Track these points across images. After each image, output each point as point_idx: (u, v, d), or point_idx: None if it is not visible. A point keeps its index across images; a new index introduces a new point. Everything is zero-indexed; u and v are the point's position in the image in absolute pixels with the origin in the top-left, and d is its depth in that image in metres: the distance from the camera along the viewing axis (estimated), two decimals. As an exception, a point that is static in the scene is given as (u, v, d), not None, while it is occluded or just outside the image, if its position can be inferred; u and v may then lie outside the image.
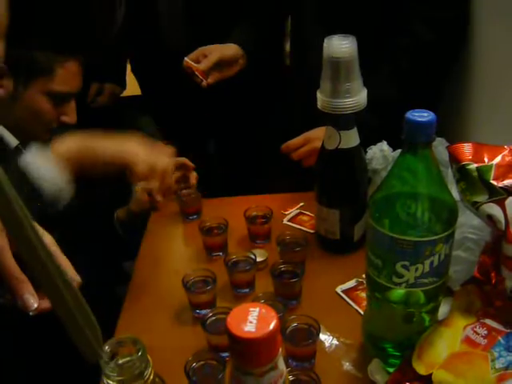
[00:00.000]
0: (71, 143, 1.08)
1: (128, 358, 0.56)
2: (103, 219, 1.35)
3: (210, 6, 1.73)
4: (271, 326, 0.47)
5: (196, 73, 1.44)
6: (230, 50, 1.49)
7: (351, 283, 1.12)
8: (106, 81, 2.12)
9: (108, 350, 0.57)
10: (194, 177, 1.41)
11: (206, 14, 1.76)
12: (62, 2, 1.10)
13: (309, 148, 1.30)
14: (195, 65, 1.44)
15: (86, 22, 1.13)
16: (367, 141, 1.15)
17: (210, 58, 1.44)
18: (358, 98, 1.06)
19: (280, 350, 0.49)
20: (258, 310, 0.48)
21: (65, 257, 0.79)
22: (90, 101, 2.08)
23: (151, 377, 0.57)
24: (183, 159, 1.38)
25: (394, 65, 1.32)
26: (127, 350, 0.58)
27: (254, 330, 0.46)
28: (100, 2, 1.13)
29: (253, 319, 0.47)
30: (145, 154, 1.11)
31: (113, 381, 0.55)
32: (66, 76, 1.21)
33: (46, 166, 1.01)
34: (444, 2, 1.29)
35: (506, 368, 0.74)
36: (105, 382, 0.56)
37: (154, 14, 1.84)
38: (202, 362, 0.90)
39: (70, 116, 1.26)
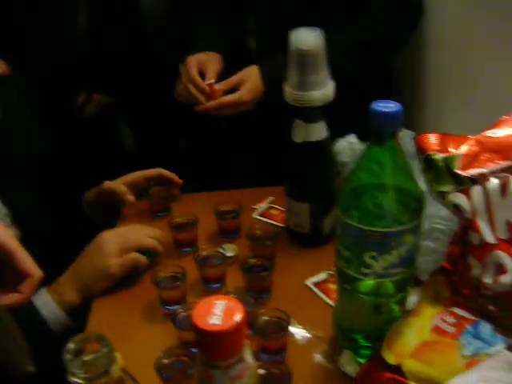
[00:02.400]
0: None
1: (93, 355, 0.55)
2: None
3: (195, 8, 1.70)
4: (237, 319, 0.46)
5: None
6: (217, 60, 1.49)
7: (321, 276, 1.12)
8: (94, 90, 2.05)
9: (73, 347, 0.56)
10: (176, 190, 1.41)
11: (192, 16, 1.73)
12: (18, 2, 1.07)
13: (233, 99, 1.34)
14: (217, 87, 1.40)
15: (44, 22, 1.09)
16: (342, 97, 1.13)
17: (214, 75, 1.43)
18: (325, 90, 1.06)
19: (246, 342, 0.49)
20: (223, 302, 0.47)
21: (24, 250, 0.78)
22: (78, 109, 2.01)
23: (118, 373, 0.56)
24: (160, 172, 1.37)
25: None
26: (93, 346, 0.57)
27: (219, 322, 0.46)
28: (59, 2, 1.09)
29: (218, 312, 0.47)
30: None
31: (78, 378, 0.54)
32: None
33: None
34: None
35: (474, 355, 0.75)
36: (71, 379, 0.55)
37: (136, 15, 1.83)
38: (172, 358, 0.89)
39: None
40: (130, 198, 1.30)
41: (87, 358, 0.55)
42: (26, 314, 1.00)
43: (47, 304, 1.04)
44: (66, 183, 1.42)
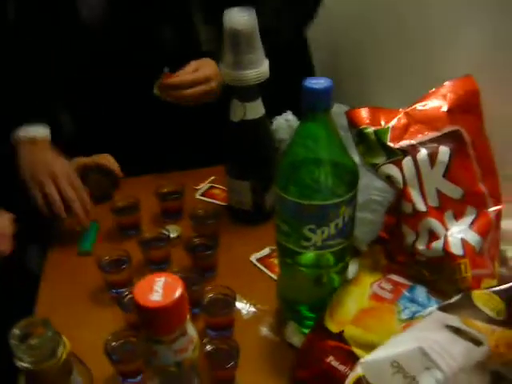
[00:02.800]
0: None
1: (38, 339, 0.56)
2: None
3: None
4: (177, 294, 0.48)
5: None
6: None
7: (265, 251, 1.14)
8: None
9: (18, 333, 0.57)
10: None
11: None
12: None
13: (200, 90, 1.29)
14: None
15: None
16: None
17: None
18: (260, 68, 1.07)
19: (187, 316, 0.51)
20: (163, 279, 0.49)
21: None
22: None
23: (64, 356, 0.57)
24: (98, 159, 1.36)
25: None
26: (39, 331, 0.58)
27: (159, 298, 0.47)
28: None
29: (158, 288, 0.48)
30: None
31: (25, 362, 0.55)
32: None
33: None
34: None
35: (411, 318, 0.79)
36: (18, 364, 0.56)
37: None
38: (121, 340, 0.89)
39: None
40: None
41: (33, 342, 0.56)
42: None
43: None
44: None
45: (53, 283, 1.12)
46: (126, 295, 0.99)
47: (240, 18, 1.03)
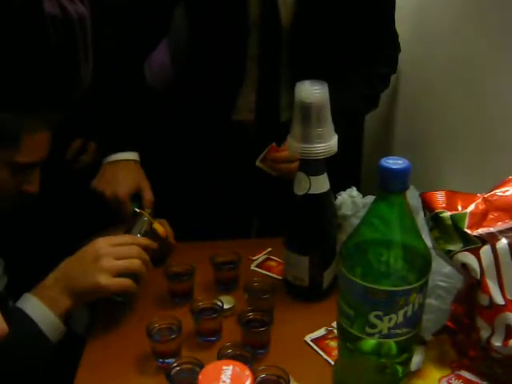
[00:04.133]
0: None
1: None
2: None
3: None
4: (247, 386, 0.44)
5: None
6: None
7: (320, 332, 1.09)
8: (90, 138, 1.73)
9: None
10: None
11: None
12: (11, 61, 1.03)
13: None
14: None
15: (44, 81, 1.05)
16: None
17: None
18: (329, 143, 1.05)
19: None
20: (231, 368, 0.45)
21: None
22: (70, 159, 1.71)
23: None
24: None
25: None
26: None
27: (228, 390, 0.43)
28: (58, 59, 1.04)
29: (226, 378, 0.44)
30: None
31: None
32: (34, 147, 1.09)
33: None
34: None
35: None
36: None
37: None
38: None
39: (33, 184, 1.17)
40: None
41: None
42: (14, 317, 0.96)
43: (37, 307, 1.00)
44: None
45: (98, 346, 1.10)
46: (175, 366, 0.95)
47: (312, 91, 1.02)
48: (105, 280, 1.04)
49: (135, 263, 1.10)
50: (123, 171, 1.34)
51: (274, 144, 1.29)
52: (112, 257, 1.07)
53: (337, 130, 1.10)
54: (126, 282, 1.08)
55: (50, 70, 1.02)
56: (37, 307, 1.01)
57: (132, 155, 1.37)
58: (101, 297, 1.09)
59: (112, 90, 1.38)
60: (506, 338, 0.77)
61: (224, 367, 0.45)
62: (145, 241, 1.17)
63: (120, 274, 1.07)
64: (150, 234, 1.26)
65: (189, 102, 1.55)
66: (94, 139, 1.66)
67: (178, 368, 0.95)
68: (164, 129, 1.62)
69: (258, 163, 1.31)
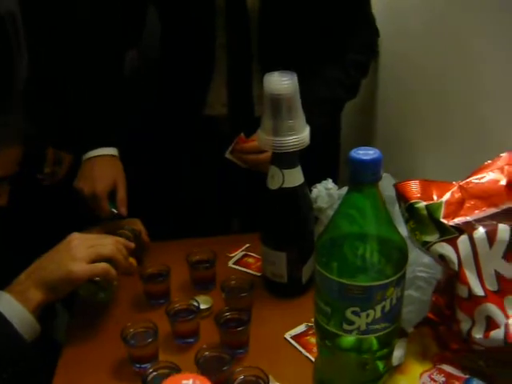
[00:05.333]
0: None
1: None
2: None
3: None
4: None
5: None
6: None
7: (300, 328, 1.07)
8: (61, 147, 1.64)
9: None
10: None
11: None
12: None
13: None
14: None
15: None
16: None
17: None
18: (301, 135, 1.03)
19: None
20: (191, 382, 0.42)
21: None
22: (47, 172, 1.61)
23: None
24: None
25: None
26: None
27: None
28: None
29: (186, 394, 0.41)
30: None
31: None
32: (3, 163, 1.08)
33: None
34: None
35: (467, 417, 0.70)
36: None
37: None
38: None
39: (1, 198, 1.15)
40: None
41: None
42: None
43: (7, 302, 0.96)
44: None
45: (74, 353, 1.06)
46: (151, 372, 0.92)
47: (281, 83, 0.99)
48: (77, 267, 1.01)
49: (108, 248, 1.07)
50: (99, 167, 1.31)
51: (242, 135, 1.26)
52: (84, 246, 1.04)
53: (313, 121, 1.08)
54: (99, 265, 1.04)
55: None
56: (6, 302, 0.97)
57: (109, 150, 1.34)
58: (76, 287, 1.04)
59: (86, 85, 1.36)
60: (487, 330, 0.75)
61: (184, 381, 0.42)
62: (122, 240, 1.15)
63: (93, 260, 1.04)
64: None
65: (160, 96, 1.53)
66: (65, 148, 1.64)
67: (154, 373, 0.92)
68: (140, 123, 1.60)
69: (227, 155, 1.28)
